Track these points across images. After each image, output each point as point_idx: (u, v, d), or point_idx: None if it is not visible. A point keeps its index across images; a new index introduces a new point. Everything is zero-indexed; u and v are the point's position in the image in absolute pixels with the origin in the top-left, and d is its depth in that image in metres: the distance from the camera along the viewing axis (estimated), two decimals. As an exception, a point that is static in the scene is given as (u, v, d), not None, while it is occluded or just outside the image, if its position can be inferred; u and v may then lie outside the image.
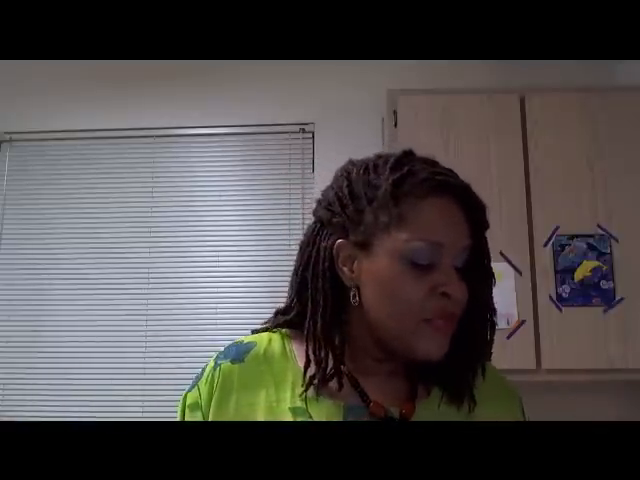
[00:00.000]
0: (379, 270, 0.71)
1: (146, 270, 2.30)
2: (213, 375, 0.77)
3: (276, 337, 0.81)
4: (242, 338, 0.82)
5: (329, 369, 0.73)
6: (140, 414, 2.17)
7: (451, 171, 0.74)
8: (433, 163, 0.75)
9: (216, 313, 2.24)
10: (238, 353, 0.79)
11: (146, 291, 2.28)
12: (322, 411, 0.72)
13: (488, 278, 0.76)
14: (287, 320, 0.81)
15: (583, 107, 1.89)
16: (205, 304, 2.25)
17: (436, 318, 0.70)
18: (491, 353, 0.79)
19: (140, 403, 2.18)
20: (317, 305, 0.75)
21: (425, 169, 0.72)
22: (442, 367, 0.73)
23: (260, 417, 0.73)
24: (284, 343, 0.80)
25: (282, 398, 0.74)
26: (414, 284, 0.69)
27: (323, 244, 0.75)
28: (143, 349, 2.23)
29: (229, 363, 0.78)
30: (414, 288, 0.69)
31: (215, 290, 2.26)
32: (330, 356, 0.73)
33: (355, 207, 0.73)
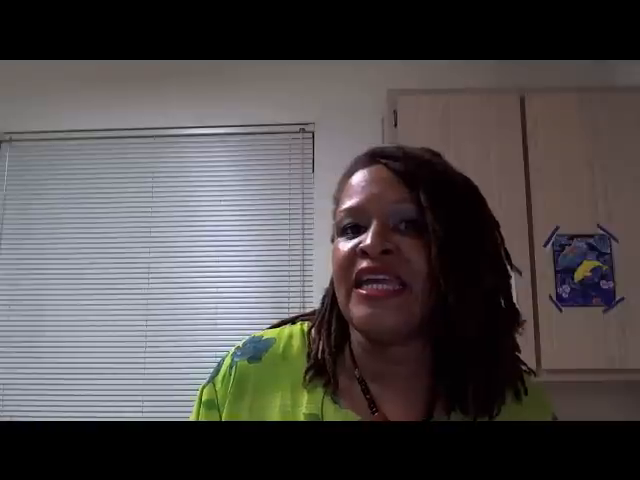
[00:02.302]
0: (332, 253, 0.71)
1: (146, 270, 2.30)
2: (230, 374, 0.75)
3: (297, 332, 0.77)
4: (261, 333, 0.79)
5: (319, 357, 0.71)
6: (140, 414, 2.17)
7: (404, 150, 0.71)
8: (398, 149, 0.72)
9: (216, 313, 2.24)
10: (256, 351, 0.75)
11: (146, 291, 2.28)
12: (337, 420, 0.69)
13: (440, 230, 0.64)
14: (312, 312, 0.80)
15: (583, 107, 1.89)
16: (205, 304, 2.25)
17: (362, 279, 0.65)
18: (515, 360, 0.71)
19: (140, 403, 2.18)
20: (323, 303, 0.76)
21: (366, 151, 0.73)
22: (453, 378, 0.68)
23: (273, 420, 0.70)
24: (304, 339, 0.76)
25: (298, 402, 0.71)
26: (342, 250, 0.67)
27: None
28: (143, 349, 2.23)
29: (246, 362, 0.75)
30: (342, 254, 0.67)
31: (215, 290, 2.26)
32: (324, 347, 0.72)
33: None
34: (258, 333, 0.79)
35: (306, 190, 2.30)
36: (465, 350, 0.66)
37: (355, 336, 0.72)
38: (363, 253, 0.64)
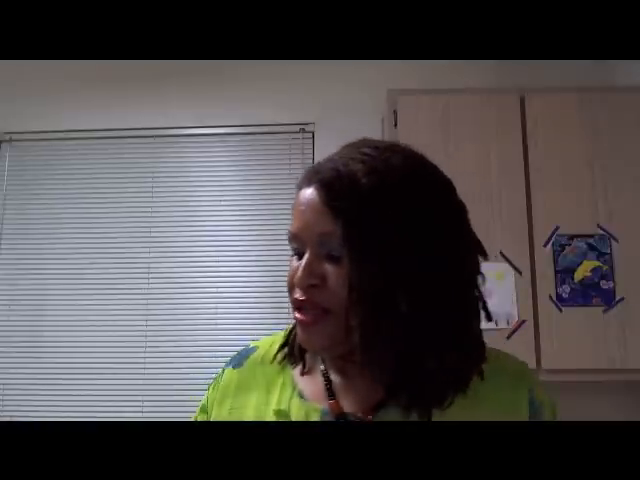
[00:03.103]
0: None
1: (146, 270, 2.30)
2: (218, 380, 0.81)
3: (279, 337, 0.82)
4: (251, 343, 0.85)
5: (290, 343, 0.77)
6: (140, 414, 2.17)
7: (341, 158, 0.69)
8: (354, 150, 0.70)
9: (216, 313, 2.24)
10: (240, 358, 0.82)
11: (146, 291, 2.28)
12: (301, 413, 0.72)
13: (360, 259, 0.65)
14: None
15: (583, 107, 1.89)
16: (205, 304, 2.25)
17: (294, 307, 0.70)
18: (473, 347, 0.70)
19: (140, 403, 2.18)
20: None
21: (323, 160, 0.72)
22: (413, 385, 0.68)
23: (249, 419, 0.74)
24: (284, 340, 0.81)
25: (270, 401, 0.75)
26: (288, 274, 0.72)
27: None
28: (143, 349, 2.23)
29: (231, 368, 0.81)
30: (287, 277, 0.72)
31: (215, 290, 2.26)
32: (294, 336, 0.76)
33: None
34: (251, 342, 0.85)
35: (306, 190, 2.29)
36: (408, 351, 0.66)
37: None
38: (293, 287, 0.70)
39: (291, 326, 0.78)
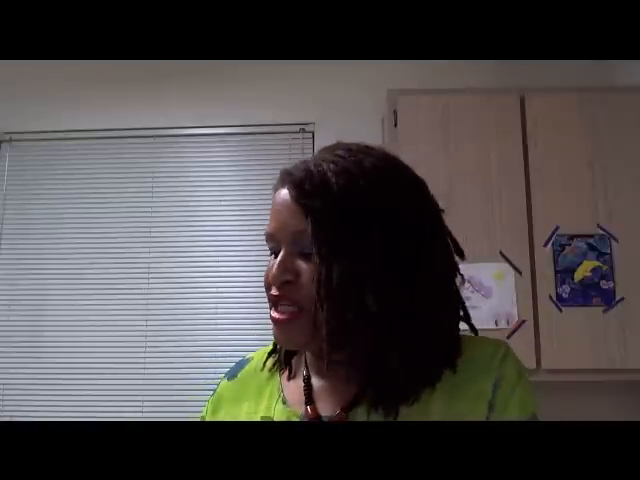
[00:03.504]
0: None
1: (146, 270, 2.30)
2: (215, 392, 0.84)
3: (272, 347, 0.83)
4: (249, 354, 0.87)
5: (277, 350, 0.79)
6: (140, 414, 2.17)
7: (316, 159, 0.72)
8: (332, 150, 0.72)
9: (216, 313, 2.24)
10: (235, 370, 0.84)
11: (146, 291, 2.28)
12: (282, 418, 0.74)
13: (327, 257, 0.66)
14: None
15: (583, 107, 1.89)
16: (205, 304, 2.25)
17: (271, 305, 0.72)
18: (447, 341, 0.70)
19: (140, 403, 2.18)
20: None
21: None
22: (382, 383, 0.68)
23: None
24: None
25: (259, 408, 0.76)
26: (265, 272, 0.74)
27: None
28: (143, 349, 2.23)
29: (226, 381, 0.84)
30: (265, 274, 0.74)
31: (215, 290, 2.26)
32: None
33: None
34: (249, 354, 0.87)
35: (306, 190, 2.29)
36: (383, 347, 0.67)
37: None
38: (269, 285, 0.71)
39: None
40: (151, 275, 2.29)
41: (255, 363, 0.83)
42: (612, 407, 2.00)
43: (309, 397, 0.73)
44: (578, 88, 1.98)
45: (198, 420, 0.84)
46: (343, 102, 2.32)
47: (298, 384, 0.76)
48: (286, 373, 0.78)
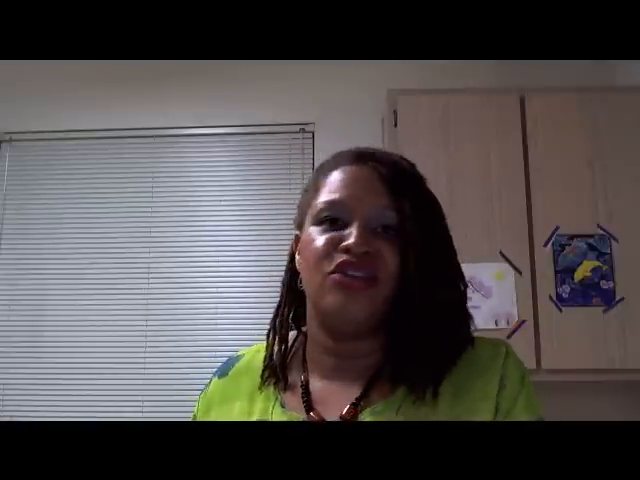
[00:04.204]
0: (302, 240, 0.75)
1: (146, 270, 2.30)
2: (205, 391, 0.83)
3: (264, 347, 0.81)
4: (239, 350, 0.86)
5: (272, 364, 0.76)
6: (140, 414, 2.17)
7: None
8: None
9: (216, 313, 2.24)
10: (225, 367, 0.83)
11: (146, 291, 2.28)
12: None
13: (438, 238, 0.73)
14: None
15: (583, 107, 1.89)
16: (205, 304, 2.25)
17: (338, 270, 0.68)
18: (464, 335, 0.72)
19: (140, 403, 2.18)
20: (279, 301, 0.80)
21: (345, 150, 0.77)
22: (405, 357, 0.69)
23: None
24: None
25: (253, 410, 0.75)
26: (320, 239, 0.71)
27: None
28: (143, 349, 2.23)
29: (217, 378, 0.83)
30: (319, 243, 0.70)
31: (215, 290, 2.26)
32: (279, 351, 0.77)
33: (301, 200, 0.80)
34: (239, 350, 0.86)
35: (306, 190, 2.29)
36: (415, 339, 0.69)
37: (313, 333, 0.76)
38: (346, 250, 0.68)
39: (269, 347, 0.79)
40: (151, 275, 2.29)
41: (246, 361, 0.82)
42: (612, 407, 2.00)
43: (309, 404, 0.72)
44: (578, 88, 1.98)
45: (196, 420, 0.83)
46: (343, 102, 2.32)
47: (296, 387, 0.75)
48: (281, 384, 0.75)
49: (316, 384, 0.74)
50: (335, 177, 0.74)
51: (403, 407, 0.68)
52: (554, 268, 1.80)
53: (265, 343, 0.81)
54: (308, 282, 0.73)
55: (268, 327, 0.81)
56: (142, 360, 2.22)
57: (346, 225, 0.70)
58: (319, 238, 0.71)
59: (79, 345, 2.23)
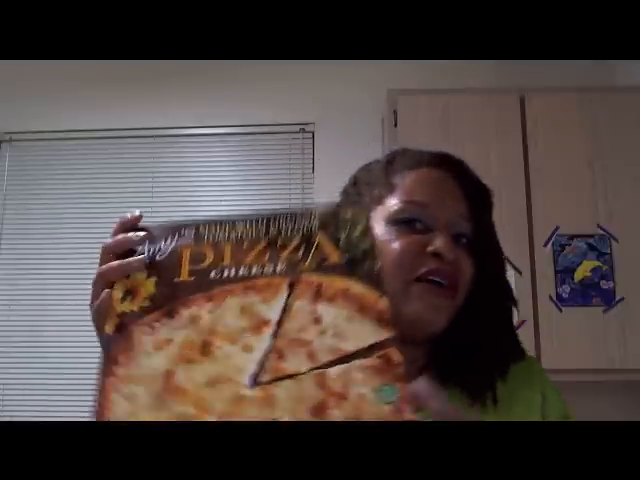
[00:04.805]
0: None
1: (146, 270, 2.30)
2: None
3: None
4: None
5: None
6: (140, 414, 2.17)
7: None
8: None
9: (216, 313, 2.24)
10: None
11: (146, 291, 2.28)
12: None
13: (495, 257, 0.74)
14: None
15: (583, 107, 1.89)
16: (205, 304, 2.25)
17: (426, 276, 0.66)
18: (519, 347, 0.75)
19: (140, 403, 2.18)
20: None
21: (418, 149, 0.75)
22: (458, 361, 0.70)
23: None
24: None
25: None
26: (402, 241, 0.68)
27: None
28: (143, 349, 2.23)
29: None
30: (402, 245, 0.67)
31: (215, 290, 2.26)
32: None
33: (354, 191, 0.76)
34: None
35: (306, 190, 2.30)
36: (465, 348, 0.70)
37: None
38: (435, 254, 0.67)
39: None
40: (151, 275, 2.29)
41: None
42: (612, 407, 2.00)
43: None
44: (578, 88, 1.98)
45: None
46: (343, 102, 2.32)
47: None
48: None
49: None
50: (415, 177, 0.71)
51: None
52: (554, 268, 1.79)
53: None
54: (388, 285, 0.71)
55: None
56: (142, 360, 2.22)
57: (428, 229, 0.68)
58: (399, 239, 0.68)
59: (79, 345, 2.23)
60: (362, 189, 0.75)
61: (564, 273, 1.79)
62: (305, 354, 0.48)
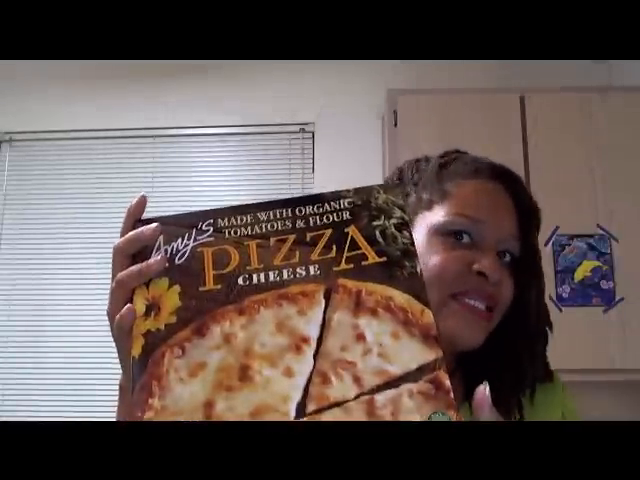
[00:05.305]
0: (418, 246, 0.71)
1: (146, 270, 2.30)
2: None
3: None
4: None
5: None
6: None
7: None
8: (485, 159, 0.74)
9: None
10: None
11: (146, 291, 2.28)
12: None
13: (538, 279, 0.71)
14: None
15: (583, 107, 1.89)
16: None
17: (467, 295, 0.65)
18: (547, 369, 0.76)
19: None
20: None
21: (474, 156, 0.75)
22: (488, 379, 0.70)
23: None
24: None
25: None
26: (447, 255, 0.65)
27: None
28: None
29: None
30: (446, 259, 0.65)
31: (215, 290, 2.26)
32: None
33: (399, 192, 0.75)
34: None
35: (306, 190, 2.30)
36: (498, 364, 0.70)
37: None
38: (479, 274, 0.65)
39: None
40: (151, 275, 2.29)
41: None
42: (612, 407, 2.00)
43: None
44: (578, 88, 1.98)
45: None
46: (343, 102, 2.32)
47: None
48: None
49: None
50: (471, 189, 0.69)
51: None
52: (554, 268, 1.80)
53: None
54: None
55: None
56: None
57: (476, 245, 0.66)
58: (444, 251, 0.66)
59: (79, 345, 2.23)
60: (408, 188, 0.72)
61: (564, 273, 1.79)
62: (351, 377, 0.44)
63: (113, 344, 0.52)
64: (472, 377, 0.70)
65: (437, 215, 0.68)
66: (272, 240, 0.49)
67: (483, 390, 0.49)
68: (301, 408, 0.44)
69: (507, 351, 0.69)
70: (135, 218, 0.52)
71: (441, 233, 0.67)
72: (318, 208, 0.50)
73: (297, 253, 0.48)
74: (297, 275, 0.47)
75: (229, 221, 0.51)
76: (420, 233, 0.68)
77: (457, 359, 0.72)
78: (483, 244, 0.66)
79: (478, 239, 0.66)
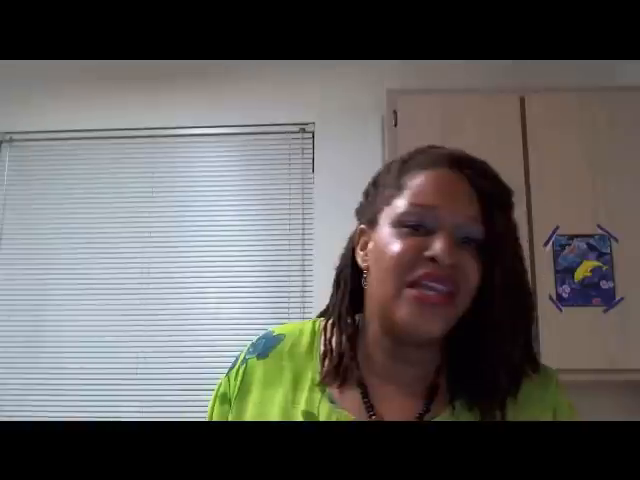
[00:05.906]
0: (377, 240, 0.71)
1: (146, 270, 2.30)
2: (240, 369, 0.77)
3: (308, 329, 0.78)
4: (273, 329, 0.81)
5: (336, 363, 0.72)
6: (139, 414, 2.16)
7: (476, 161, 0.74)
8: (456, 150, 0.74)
9: (216, 313, 2.24)
10: (265, 347, 0.78)
11: (146, 291, 2.28)
12: (331, 419, 0.70)
13: (513, 259, 0.70)
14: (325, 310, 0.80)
15: (583, 107, 1.89)
16: (205, 304, 2.25)
17: (420, 283, 0.65)
18: (532, 355, 0.74)
19: (139, 403, 2.18)
20: (336, 294, 0.76)
21: (438, 148, 0.74)
22: (466, 373, 0.69)
23: (274, 417, 0.71)
24: (313, 336, 0.77)
25: (298, 400, 0.72)
26: (401, 245, 0.66)
27: (350, 234, 0.78)
28: (143, 349, 2.22)
29: (255, 358, 0.77)
30: (400, 248, 0.66)
31: (215, 290, 2.26)
32: (341, 348, 0.73)
33: (373, 192, 0.75)
34: (273, 328, 0.81)
35: (306, 190, 2.29)
36: (482, 351, 0.69)
37: (373, 333, 0.73)
38: (431, 259, 0.65)
39: (328, 341, 0.75)
40: (151, 275, 2.29)
41: (288, 344, 0.77)
42: (612, 407, 2.00)
43: (369, 405, 0.70)
44: (578, 88, 1.98)
45: (218, 397, 0.79)
46: (343, 102, 2.32)
47: (348, 385, 0.72)
48: (336, 382, 0.72)
49: (371, 384, 0.72)
50: (425, 179, 0.70)
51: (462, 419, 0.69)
52: (554, 268, 1.79)
53: (307, 324, 0.79)
54: (379, 286, 0.69)
55: (320, 317, 0.78)
56: (142, 360, 2.21)
57: (430, 232, 0.66)
58: (399, 242, 0.67)
59: (79, 345, 2.22)
60: (379, 190, 0.74)
61: (564, 273, 1.79)
62: None
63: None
64: (456, 380, 0.71)
65: (395, 209, 0.69)
66: None
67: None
68: None
69: (486, 345, 0.68)
70: None
71: (397, 225, 0.68)
72: None
73: None
74: None
75: None
76: (382, 229, 0.70)
77: (443, 354, 0.72)
78: (437, 230, 0.67)
79: (433, 226, 0.67)
